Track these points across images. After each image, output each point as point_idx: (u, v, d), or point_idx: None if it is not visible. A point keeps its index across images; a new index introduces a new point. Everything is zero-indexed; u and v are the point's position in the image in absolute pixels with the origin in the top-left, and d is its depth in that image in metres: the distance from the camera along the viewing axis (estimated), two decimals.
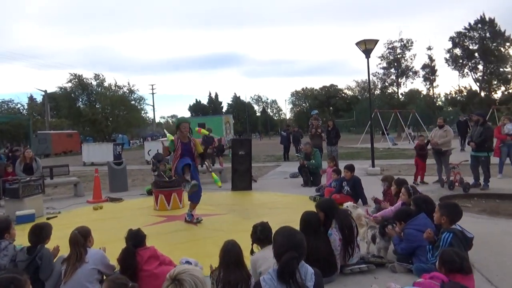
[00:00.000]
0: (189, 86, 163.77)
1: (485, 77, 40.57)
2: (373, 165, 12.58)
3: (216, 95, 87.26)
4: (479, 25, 40.35)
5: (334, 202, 4.41)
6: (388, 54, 43.88)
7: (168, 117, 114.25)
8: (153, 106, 63.74)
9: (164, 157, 11.66)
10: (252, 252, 3.56)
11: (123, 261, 3.41)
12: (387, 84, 45.15)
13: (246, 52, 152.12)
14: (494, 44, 39.67)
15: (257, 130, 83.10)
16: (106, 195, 9.78)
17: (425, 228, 3.79)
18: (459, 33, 41.63)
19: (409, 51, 43.33)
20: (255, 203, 8.33)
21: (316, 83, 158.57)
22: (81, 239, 3.46)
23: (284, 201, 8.40)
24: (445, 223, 3.45)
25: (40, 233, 3.59)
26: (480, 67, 41.16)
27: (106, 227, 6.47)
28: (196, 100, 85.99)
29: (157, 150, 17.58)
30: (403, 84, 44.32)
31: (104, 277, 3.46)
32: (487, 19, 40.21)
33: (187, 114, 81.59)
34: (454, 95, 45.03)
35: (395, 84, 44.47)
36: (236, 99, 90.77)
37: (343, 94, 63.67)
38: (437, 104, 47.97)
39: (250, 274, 3.27)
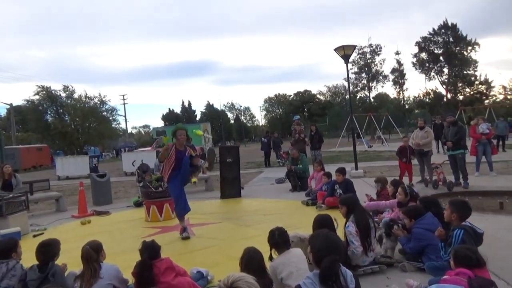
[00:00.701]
0: (162, 96, 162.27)
1: (450, 80, 42.35)
2: (356, 168, 12.81)
3: (190, 104, 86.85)
4: (443, 30, 42.21)
5: (356, 198, 4.48)
6: (359, 59, 45.10)
7: (140, 127, 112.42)
8: (125, 116, 62.48)
9: (149, 168, 11.49)
10: (271, 258, 3.53)
11: (140, 274, 3.32)
12: (359, 88, 46.30)
13: (218, 60, 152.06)
14: (458, 48, 41.55)
15: (232, 138, 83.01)
16: (91, 208, 9.51)
17: (433, 227, 3.90)
18: (424, 38, 43.40)
19: (378, 56, 44.73)
20: (248, 210, 8.30)
21: (288, 89, 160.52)
22: (94, 254, 3.36)
23: (276, 207, 8.41)
24: (455, 220, 3.56)
25: (49, 251, 3.45)
26: (446, 70, 42.97)
27: (101, 241, 6.27)
28: (169, 109, 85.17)
29: (142, 160, 17.31)
30: (374, 88, 45.70)
31: None
32: (449, 24, 42.13)
33: (161, 124, 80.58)
34: (422, 98, 46.71)
35: (366, 88, 45.70)
36: (210, 107, 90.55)
37: (317, 100, 64.87)
38: (406, 107, 49.56)
39: (271, 280, 3.27)
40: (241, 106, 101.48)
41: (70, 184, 18.58)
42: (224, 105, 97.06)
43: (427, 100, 44.75)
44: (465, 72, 41.54)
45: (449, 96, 42.71)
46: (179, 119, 79.20)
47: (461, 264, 2.81)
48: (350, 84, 48.00)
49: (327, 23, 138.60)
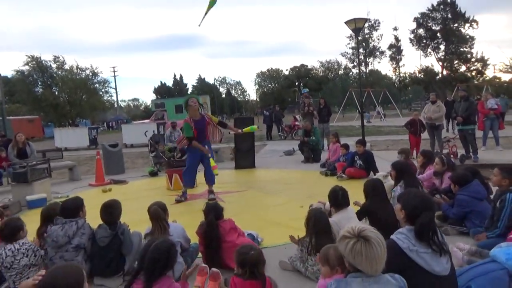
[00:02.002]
0: (151, 69, 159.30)
1: (446, 57, 42.48)
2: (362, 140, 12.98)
3: (181, 77, 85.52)
4: (441, 6, 41.98)
5: (408, 165, 4.59)
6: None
7: (129, 100, 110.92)
8: (116, 89, 61.39)
9: (161, 138, 11.51)
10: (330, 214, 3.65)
11: (208, 233, 3.43)
12: (355, 64, 46.21)
13: (207, 33, 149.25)
14: (455, 25, 41.48)
15: (224, 112, 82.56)
16: (108, 177, 9.54)
17: (478, 195, 4.08)
18: (423, 14, 43.15)
19: (376, 31, 44.49)
20: (267, 180, 8.41)
21: (280, 64, 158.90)
22: (162, 213, 3.45)
23: (295, 177, 8.56)
24: (506, 185, 3.72)
25: (113, 211, 3.52)
26: (442, 47, 43.01)
27: (130, 208, 6.27)
28: (161, 82, 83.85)
29: (153, 131, 17.33)
30: (371, 64, 45.73)
31: None
32: (448, 0, 41.90)
33: (152, 97, 79.58)
34: (417, 75, 46.91)
35: (363, 64, 45.69)
36: (201, 80, 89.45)
37: (313, 74, 64.69)
38: (402, 84, 49.76)
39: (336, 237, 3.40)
40: (232, 80, 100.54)
41: (71, 155, 18.48)
42: (215, 79, 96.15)
43: (422, 76, 45.02)
44: (461, 49, 41.71)
45: (444, 73, 42.95)
46: (171, 92, 78.28)
47: None
48: (346, 59, 48.13)
49: None
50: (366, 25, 44.39)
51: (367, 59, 44.93)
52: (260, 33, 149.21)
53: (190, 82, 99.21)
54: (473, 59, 41.90)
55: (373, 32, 44.65)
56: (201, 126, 6.24)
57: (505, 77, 45.34)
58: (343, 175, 7.80)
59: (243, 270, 2.44)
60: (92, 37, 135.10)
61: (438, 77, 41.84)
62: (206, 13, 6.31)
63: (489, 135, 11.14)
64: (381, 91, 32.66)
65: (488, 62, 41.99)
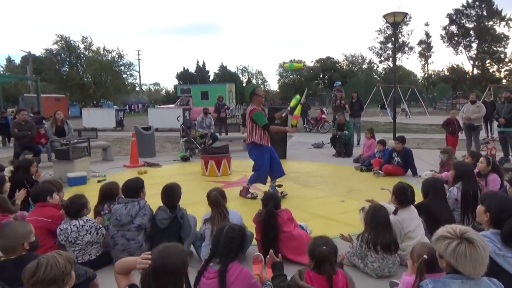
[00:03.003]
0: (175, 54, 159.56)
1: (478, 56, 41.25)
2: (394, 138, 12.78)
3: (204, 64, 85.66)
4: (477, 3, 40.64)
5: (469, 166, 4.48)
6: (386, 29, 43.90)
7: (151, 84, 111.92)
8: (139, 72, 61.95)
9: (192, 123, 11.58)
10: (396, 212, 3.59)
11: (267, 222, 3.43)
12: (383, 58, 45.45)
13: (231, 21, 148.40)
14: (490, 23, 40.15)
15: (244, 101, 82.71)
16: (141, 159, 9.67)
17: None
18: (456, 10, 41.89)
19: (407, 26, 43.42)
20: (301, 172, 8.36)
21: (303, 54, 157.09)
22: (221, 200, 3.47)
23: (330, 171, 8.51)
24: None
25: (174, 193, 3.56)
26: (474, 45, 41.78)
27: None
28: (184, 68, 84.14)
29: (185, 116, 17.47)
30: (399, 60, 44.75)
31: None
32: None
33: (174, 82, 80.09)
34: (446, 73, 45.75)
35: (390, 59, 44.84)
36: (223, 68, 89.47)
37: (338, 67, 63.78)
38: (430, 81, 48.66)
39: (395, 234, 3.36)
40: (253, 69, 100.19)
41: (100, 136, 18.86)
42: (236, 67, 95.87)
43: (451, 75, 43.91)
44: (494, 48, 40.40)
45: (475, 72, 41.77)
46: (193, 79, 78.59)
47: None
48: (373, 53, 47.18)
49: None
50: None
51: (396, 54, 43.86)
52: (283, 22, 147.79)
53: (212, 69, 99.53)
54: (506, 59, 40.65)
55: (403, 27, 43.69)
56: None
57: None
58: (379, 171, 7.71)
59: (311, 262, 2.43)
60: (118, 19, 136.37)
61: (467, 76, 40.73)
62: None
63: None
64: (408, 88, 32.03)
65: None
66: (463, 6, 41.12)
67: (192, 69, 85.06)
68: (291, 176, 7.85)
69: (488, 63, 41.22)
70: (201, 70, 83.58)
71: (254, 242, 3.67)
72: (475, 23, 40.44)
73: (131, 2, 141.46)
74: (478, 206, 2.59)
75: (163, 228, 3.39)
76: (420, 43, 44.05)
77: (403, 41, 44.08)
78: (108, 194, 3.86)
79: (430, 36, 43.11)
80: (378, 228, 3.23)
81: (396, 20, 12.26)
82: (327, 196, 6.23)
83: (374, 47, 45.66)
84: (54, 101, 39.46)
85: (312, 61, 79.35)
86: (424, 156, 9.96)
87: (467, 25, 41.14)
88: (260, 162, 6.06)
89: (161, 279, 1.83)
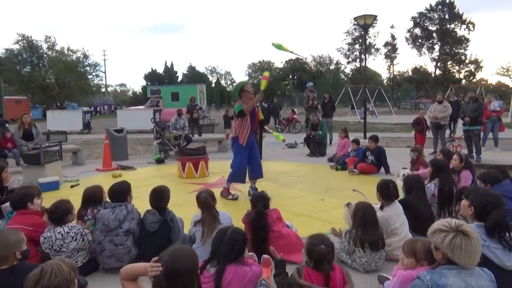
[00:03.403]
0: (142, 54, 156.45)
1: (440, 57, 43.06)
2: (365, 137, 13.13)
3: (172, 64, 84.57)
4: (439, 7, 42.42)
5: (446, 164, 4.66)
6: (353, 30, 45.04)
7: (117, 85, 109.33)
8: (105, 73, 60.43)
9: (166, 125, 11.43)
10: (382, 207, 3.70)
11: (256, 222, 3.46)
12: (350, 59, 46.58)
13: (198, 21, 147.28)
14: (452, 26, 42.02)
15: (213, 102, 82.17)
16: (114, 163, 9.45)
17: (510, 194, 4.18)
18: (420, 14, 43.54)
19: (373, 28, 44.74)
20: (278, 172, 8.44)
21: (271, 55, 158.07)
22: (211, 201, 3.47)
23: (306, 170, 8.63)
24: None
25: (163, 197, 3.53)
26: (437, 47, 43.57)
27: (146, 194, 6.32)
28: (152, 68, 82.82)
29: (156, 118, 17.09)
30: (366, 61, 45.91)
31: None
32: (447, 1, 42.35)
33: (141, 83, 78.70)
34: (410, 74, 47.44)
35: (358, 60, 46.04)
36: (192, 69, 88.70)
37: (308, 68, 64.81)
38: (394, 82, 50.31)
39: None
40: (222, 70, 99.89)
41: (62, 138, 18.23)
42: (205, 67, 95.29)
43: (415, 76, 45.63)
44: (456, 50, 42.39)
45: (437, 73, 43.61)
46: (161, 79, 77.43)
47: None
48: (342, 55, 48.25)
49: None
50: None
51: (362, 55, 45.32)
52: (252, 23, 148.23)
53: (181, 70, 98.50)
54: (466, 61, 42.74)
55: (370, 29, 44.94)
56: (253, 113, 5.91)
57: (502, 80, 46.18)
58: (354, 170, 7.91)
59: (310, 262, 2.48)
60: (83, 18, 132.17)
61: (430, 77, 42.46)
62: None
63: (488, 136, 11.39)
64: (375, 88, 32.95)
65: (481, 65, 43.05)
66: (426, 9, 42.97)
67: (160, 69, 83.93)
68: (268, 176, 7.88)
69: (450, 64, 43.23)
70: (169, 71, 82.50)
71: None
72: (437, 26, 42.31)
73: (97, 1, 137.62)
74: (462, 201, 2.74)
75: (153, 231, 3.35)
76: (386, 44, 45.62)
77: (369, 42, 45.42)
78: (91, 198, 3.77)
79: (395, 38, 44.80)
80: (367, 226, 3.33)
81: (367, 23, 12.65)
82: (306, 195, 6.33)
83: (342, 48, 47.01)
84: (14, 103, 37.68)
85: (281, 62, 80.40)
86: (393, 154, 10.27)
87: (430, 27, 43.00)
88: (238, 159, 6.04)
89: (173, 282, 1.83)
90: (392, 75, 48.34)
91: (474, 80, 43.40)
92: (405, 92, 48.07)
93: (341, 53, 47.29)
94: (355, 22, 45.31)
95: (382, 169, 7.99)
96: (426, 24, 43.01)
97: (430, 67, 44.34)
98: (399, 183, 5.64)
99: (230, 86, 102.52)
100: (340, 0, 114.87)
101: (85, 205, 3.76)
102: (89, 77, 46.65)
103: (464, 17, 41.15)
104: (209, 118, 21.23)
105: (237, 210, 4.72)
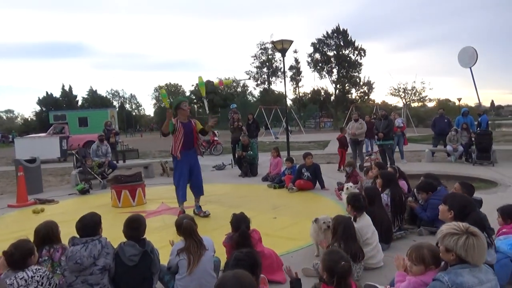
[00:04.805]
0: (33, 77, 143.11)
1: (339, 80, 47.14)
2: (288, 155, 13.66)
3: (70, 88, 78.66)
4: (335, 34, 46.66)
5: (394, 175, 5.00)
6: (261, 55, 47.11)
7: (2, 112, 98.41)
8: None
9: (87, 152, 10.58)
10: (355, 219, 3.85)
11: (241, 243, 3.36)
12: (259, 82, 48.43)
13: (96, 42, 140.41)
14: (346, 52, 46.45)
15: (129, 127, 78.08)
16: (31, 197, 8.42)
17: None
18: (319, 40, 47.34)
19: (279, 52, 47.14)
20: (218, 194, 8.28)
21: (178, 79, 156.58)
22: (195, 227, 3.31)
23: (244, 191, 8.66)
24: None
25: (139, 226, 3.25)
26: (335, 71, 47.65)
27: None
28: (47, 92, 75.80)
29: (63, 145, 15.65)
30: (274, 83, 48.38)
31: None
32: (341, 29, 46.83)
33: (34, 108, 71.70)
34: (313, 95, 50.93)
35: (266, 82, 48.06)
36: (93, 92, 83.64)
37: (220, 91, 65.37)
38: (300, 103, 53.49)
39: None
40: (125, 94, 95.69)
41: None
42: (107, 91, 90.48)
43: (318, 97, 49.18)
44: (351, 73, 46.85)
45: (337, 93, 47.62)
46: (58, 104, 71.47)
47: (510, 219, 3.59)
48: (251, 78, 50.04)
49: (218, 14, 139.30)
50: (269, 46, 47.13)
51: (270, 78, 47.57)
52: (152, 46, 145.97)
53: (80, 93, 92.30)
54: (361, 83, 47.50)
55: (276, 53, 47.49)
56: (189, 129, 6.08)
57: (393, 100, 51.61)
58: (293, 187, 8.16)
59: (331, 279, 2.47)
60: None
61: (331, 98, 46.22)
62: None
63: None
64: (286, 109, 34.60)
65: (373, 86, 48.28)
66: (324, 36, 47.03)
67: (57, 93, 77.54)
68: (211, 198, 7.77)
69: (347, 86, 47.60)
70: (68, 95, 76.59)
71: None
72: (334, 52, 46.49)
73: None
74: (441, 206, 3.02)
75: (133, 265, 3.04)
76: (291, 68, 48.53)
77: (276, 66, 48.00)
78: (49, 236, 3.32)
79: (299, 62, 48.02)
80: (348, 239, 3.46)
81: (284, 47, 13.36)
82: (257, 215, 6.31)
83: (251, 72, 48.79)
84: None
85: (192, 85, 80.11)
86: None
87: (328, 53, 47.04)
88: (177, 172, 6.22)
89: None
90: (298, 97, 51.45)
91: (369, 100, 48.53)
92: (309, 112, 51.40)
93: (250, 76, 49.23)
94: (262, 47, 48.15)
95: (318, 185, 8.38)
96: (324, 50, 47.06)
97: (331, 89, 48.46)
98: (344, 197, 6.01)
99: (136, 111, 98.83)
100: (245, 26, 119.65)
101: (40, 245, 3.28)
102: None
103: (356, 44, 46.21)
104: (122, 144, 20.08)
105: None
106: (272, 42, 13.11)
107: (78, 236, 3.12)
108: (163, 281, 3.31)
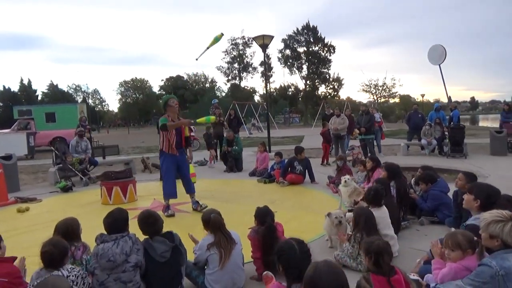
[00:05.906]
0: None
1: (309, 76, 47.75)
2: (269, 150, 13.76)
3: (30, 82, 75.12)
4: (305, 31, 47.14)
5: (399, 167, 5.13)
6: (232, 50, 46.86)
7: None
8: None
9: (67, 149, 10.20)
10: None
11: (269, 236, 3.38)
12: (230, 78, 48.19)
13: (56, 35, 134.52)
14: (316, 48, 47.06)
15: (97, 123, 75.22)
16: (11, 195, 8.03)
17: (445, 189, 4.96)
18: (289, 36, 47.71)
19: (250, 48, 47.25)
20: (209, 190, 8.20)
21: (144, 73, 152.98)
22: (223, 221, 3.28)
23: (235, 186, 8.64)
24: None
25: (156, 220, 3.17)
26: (305, 67, 48.22)
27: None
28: (4, 86, 71.98)
29: (30, 142, 14.85)
30: (245, 79, 48.33)
31: None
32: (311, 26, 47.36)
33: None
34: (284, 90, 51.33)
35: (237, 78, 47.90)
36: (54, 87, 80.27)
37: (190, 86, 64.44)
38: (271, 98, 53.77)
39: None
40: (88, 89, 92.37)
41: None
42: (68, 86, 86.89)
43: (289, 92, 49.62)
44: (321, 70, 47.57)
45: (307, 89, 48.24)
46: (17, 99, 68.13)
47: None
48: (222, 73, 49.72)
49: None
50: (240, 41, 47.09)
51: (241, 73, 47.50)
52: (117, 40, 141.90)
53: (40, 88, 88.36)
54: (330, 79, 48.34)
55: (247, 49, 47.51)
56: (178, 128, 6.06)
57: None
58: (284, 181, 8.23)
59: (369, 260, 2.50)
60: None
61: (301, 93, 46.77)
62: (208, 48, 6.38)
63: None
64: (258, 105, 34.76)
65: (343, 82, 49.30)
66: (294, 32, 47.44)
67: (15, 87, 73.81)
68: (204, 194, 7.68)
69: (317, 82, 48.33)
70: (27, 89, 73.11)
71: (249, 258, 3.58)
72: (304, 48, 47.01)
73: None
74: (466, 196, 3.16)
75: (164, 261, 2.98)
76: (262, 64, 48.59)
77: (247, 61, 47.97)
78: (69, 233, 3.19)
79: (270, 58, 48.16)
80: (371, 230, 3.54)
81: (265, 43, 13.42)
82: (252, 210, 6.31)
83: (222, 67, 48.47)
84: None
85: (162, 80, 78.48)
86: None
87: (298, 49, 47.53)
88: (164, 167, 6.23)
89: None
90: (269, 92, 51.64)
91: (337, 95, 49.63)
92: (280, 108, 51.85)
93: (221, 72, 48.92)
94: (233, 42, 47.90)
95: (307, 179, 8.49)
96: (294, 46, 47.53)
97: (301, 85, 49.01)
98: (343, 190, 6.13)
99: (99, 106, 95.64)
100: (214, 22, 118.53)
101: None
102: None
103: (326, 40, 46.95)
104: (93, 140, 19.40)
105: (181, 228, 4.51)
106: (253, 38, 13.07)
107: (105, 233, 3.02)
108: (191, 276, 3.27)
